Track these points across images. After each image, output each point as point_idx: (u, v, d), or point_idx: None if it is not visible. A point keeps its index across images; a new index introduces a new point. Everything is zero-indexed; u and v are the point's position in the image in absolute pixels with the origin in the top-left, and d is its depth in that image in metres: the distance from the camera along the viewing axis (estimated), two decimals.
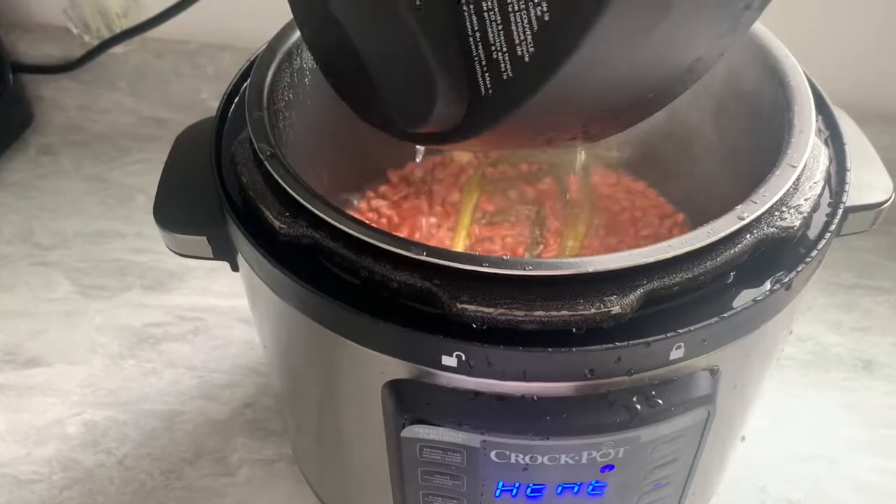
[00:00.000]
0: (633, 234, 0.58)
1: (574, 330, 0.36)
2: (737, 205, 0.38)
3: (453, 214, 0.61)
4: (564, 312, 0.35)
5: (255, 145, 0.42)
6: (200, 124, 0.51)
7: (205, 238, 0.45)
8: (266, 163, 0.41)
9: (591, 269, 0.35)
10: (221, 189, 0.43)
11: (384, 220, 0.61)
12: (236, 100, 0.49)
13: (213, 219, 0.45)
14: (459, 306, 0.35)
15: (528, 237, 0.59)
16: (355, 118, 0.60)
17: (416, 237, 0.59)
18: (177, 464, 0.64)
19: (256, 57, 0.49)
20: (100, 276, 0.79)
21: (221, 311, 0.75)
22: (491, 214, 0.61)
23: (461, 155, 0.65)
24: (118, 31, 0.89)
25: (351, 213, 0.61)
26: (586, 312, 0.35)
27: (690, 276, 0.36)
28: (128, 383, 0.70)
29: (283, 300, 0.40)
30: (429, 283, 0.36)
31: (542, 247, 0.57)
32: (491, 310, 0.35)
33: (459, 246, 0.58)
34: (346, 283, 0.39)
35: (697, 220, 0.60)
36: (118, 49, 0.90)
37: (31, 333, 0.73)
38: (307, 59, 0.51)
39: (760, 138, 0.49)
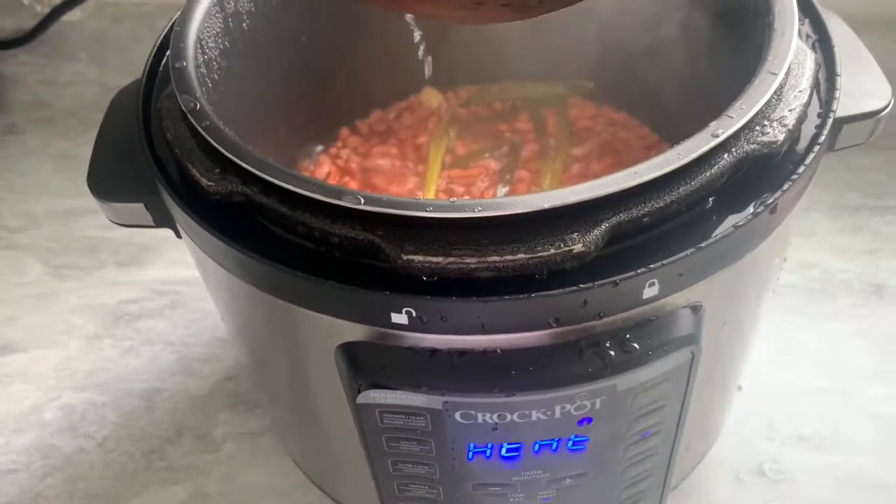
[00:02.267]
0: (618, 168, 0.54)
1: (534, 275, 0.32)
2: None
3: (424, 162, 0.58)
4: (521, 256, 0.31)
5: (179, 98, 0.38)
6: (135, 86, 0.48)
7: (142, 205, 0.42)
8: (189, 116, 0.37)
9: (547, 205, 0.31)
10: (148, 148, 0.40)
11: (350, 172, 0.57)
12: (167, 53, 0.45)
13: (148, 183, 0.41)
14: (405, 258, 0.32)
15: (499, 180, 0.55)
16: (310, 62, 0.57)
17: (385, 189, 0.55)
18: (158, 443, 0.62)
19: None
20: (72, 256, 0.76)
21: (197, 283, 0.71)
22: (464, 158, 0.57)
23: (430, 98, 0.61)
24: None
25: (314, 167, 0.58)
26: (545, 254, 0.31)
27: (661, 204, 0.33)
28: (105, 364, 0.67)
29: (223, 266, 0.37)
30: (371, 235, 0.33)
31: (507, 188, 0.53)
32: (440, 259, 0.32)
33: (430, 194, 0.54)
34: (287, 243, 0.35)
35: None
36: (73, 16, 0.85)
37: (3, 319, 0.71)
38: (243, 2, 0.47)
39: (744, 52, 0.45)
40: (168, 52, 0.43)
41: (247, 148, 0.35)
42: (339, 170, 0.57)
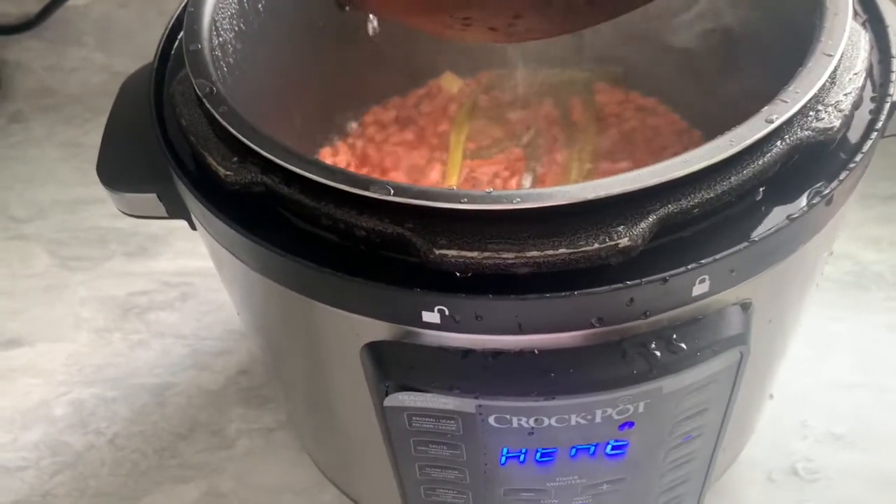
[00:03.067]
0: (648, 156, 0.52)
1: (576, 271, 0.30)
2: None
3: (445, 150, 0.55)
4: (563, 250, 0.29)
5: (193, 82, 0.36)
6: (147, 70, 0.45)
7: (154, 195, 0.40)
8: (205, 101, 0.35)
9: (591, 196, 0.29)
10: (161, 136, 0.38)
11: (369, 162, 0.55)
12: (180, 35, 0.43)
13: (161, 172, 0.39)
14: (437, 252, 0.30)
15: (525, 168, 0.53)
16: (326, 47, 0.54)
17: (405, 178, 0.53)
18: (171, 440, 0.60)
19: None
20: (80, 247, 0.74)
21: (209, 274, 0.69)
22: (486, 147, 0.55)
23: (449, 84, 0.59)
24: None
25: (331, 157, 0.56)
26: (589, 248, 0.29)
27: (711, 195, 0.30)
28: (115, 358, 0.65)
29: (241, 261, 0.35)
30: (400, 228, 0.30)
31: (531, 177, 0.51)
32: (475, 253, 0.29)
33: (452, 184, 0.52)
34: (309, 236, 0.33)
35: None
36: (78, 0, 0.83)
37: (10, 313, 0.69)
38: None
39: (789, 34, 0.42)
40: (181, 35, 0.41)
41: (267, 135, 0.33)
42: (356, 159, 0.55)
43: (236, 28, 0.43)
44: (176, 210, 0.40)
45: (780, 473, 0.54)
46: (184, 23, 0.40)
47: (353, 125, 0.57)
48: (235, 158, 0.34)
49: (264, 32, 0.46)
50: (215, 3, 0.41)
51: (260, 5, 0.45)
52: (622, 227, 0.30)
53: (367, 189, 0.30)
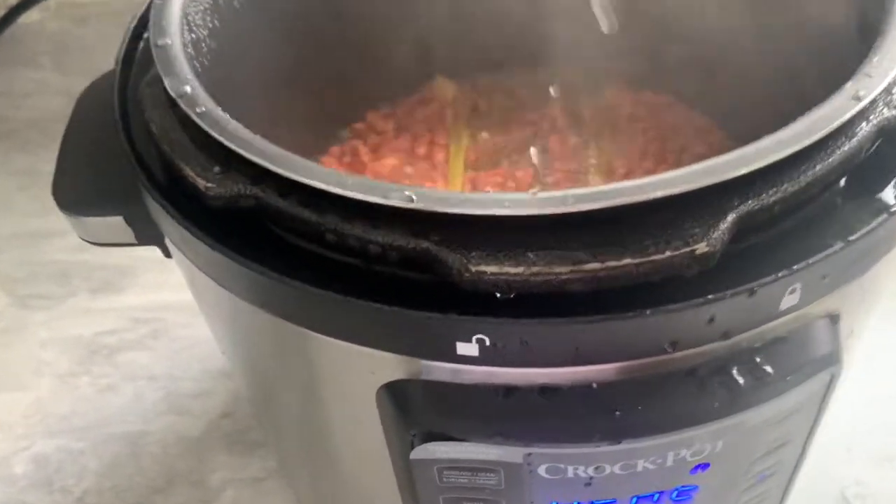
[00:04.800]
0: (671, 157, 0.47)
1: (642, 285, 0.24)
2: (795, 114, 0.26)
3: (443, 161, 0.50)
4: (628, 260, 0.24)
5: (165, 81, 0.30)
6: (107, 79, 0.40)
7: (121, 218, 0.34)
8: (179, 101, 0.29)
9: (660, 194, 0.24)
10: (129, 145, 0.32)
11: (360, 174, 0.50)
12: (145, 34, 0.38)
13: (128, 192, 0.33)
14: (474, 269, 0.24)
15: (533, 179, 0.48)
16: (309, 51, 0.49)
17: None
18: (146, 495, 0.54)
19: None
20: (39, 283, 0.68)
21: (182, 307, 0.65)
22: (489, 157, 0.50)
23: (444, 90, 0.54)
24: None
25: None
26: (660, 257, 0.24)
27: (797, 187, 0.25)
28: (82, 405, 0.59)
29: (228, 289, 0.29)
30: (425, 242, 0.25)
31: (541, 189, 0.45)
32: (521, 269, 0.24)
33: None
34: (310, 256, 0.27)
35: (743, 135, 0.50)
36: (31, 17, 0.77)
37: None
38: None
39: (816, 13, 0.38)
40: (146, 34, 0.35)
41: (255, 137, 0.28)
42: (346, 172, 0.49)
43: (210, 24, 0.37)
44: (147, 235, 0.34)
45: (828, 501, 0.49)
46: (150, 17, 0.34)
47: (342, 135, 0.51)
48: (217, 168, 0.28)
49: (242, 32, 0.40)
50: None
51: (236, 1, 0.40)
52: (697, 229, 0.24)
53: (385, 197, 0.25)
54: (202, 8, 0.37)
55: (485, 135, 0.51)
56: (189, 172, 0.28)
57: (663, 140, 0.49)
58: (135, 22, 0.38)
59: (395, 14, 0.50)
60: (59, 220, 0.73)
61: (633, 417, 0.25)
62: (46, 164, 0.79)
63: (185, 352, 0.62)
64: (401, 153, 0.50)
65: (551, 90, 0.52)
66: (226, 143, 0.27)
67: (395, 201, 0.25)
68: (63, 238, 0.71)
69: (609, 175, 0.48)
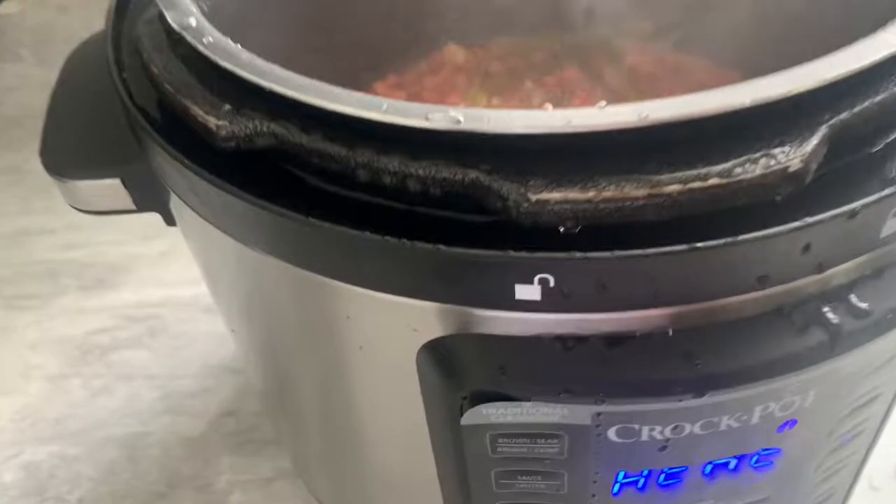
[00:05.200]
0: None
1: (726, 211, 0.21)
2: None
3: None
4: (714, 181, 0.21)
5: (166, 14, 0.27)
6: (97, 38, 0.37)
7: (118, 180, 0.31)
8: (184, 34, 0.26)
9: (748, 102, 0.21)
10: (125, 92, 0.28)
11: None
12: None
13: (125, 149, 0.30)
14: (534, 198, 0.21)
15: None
16: (321, 14, 0.46)
17: None
18: (148, 500, 0.50)
19: None
20: (27, 283, 0.64)
21: (180, 303, 0.61)
22: None
23: (453, 56, 0.51)
24: None
25: None
26: (749, 176, 0.21)
27: (887, 96, 0.22)
28: (74, 409, 0.56)
29: (244, 243, 0.26)
30: (474, 171, 0.22)
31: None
32: (589, 194, 0.21)
33: None
34: (340, 200, 0.24)
35: None
36: (9, 8, 0.73)
37: None
38: None
39: None
40: None
41: (272, 66, 0.24)
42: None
43: None
44: (147, 197, 0.31)
45: (882, 478, 0.46)
46: None
47: None
48: (228, 106, 0.25)
49: None
50: None
51: None
52: (787, 145, 0.21)
53: (427, 119, 0.21)
54: None
55: (501, 99, 0.47)
56: (197, 111, 0.25)
57: None
58: None
59: None
60: (46, 217, 0.70)
61: (717, 366, 0.22)
62: (30, 161, 0.75)
63: (184, 349, 0.58)
64: None
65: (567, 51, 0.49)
66: (239, 72, 0.24)
67: (438, 124, 0.21)
68: (52, 236, 0.67)
69: None
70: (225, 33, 0.31)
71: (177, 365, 0.57)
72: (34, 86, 0.78)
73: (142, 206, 0.32)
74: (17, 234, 0.68)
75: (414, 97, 0.49)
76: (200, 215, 0.27)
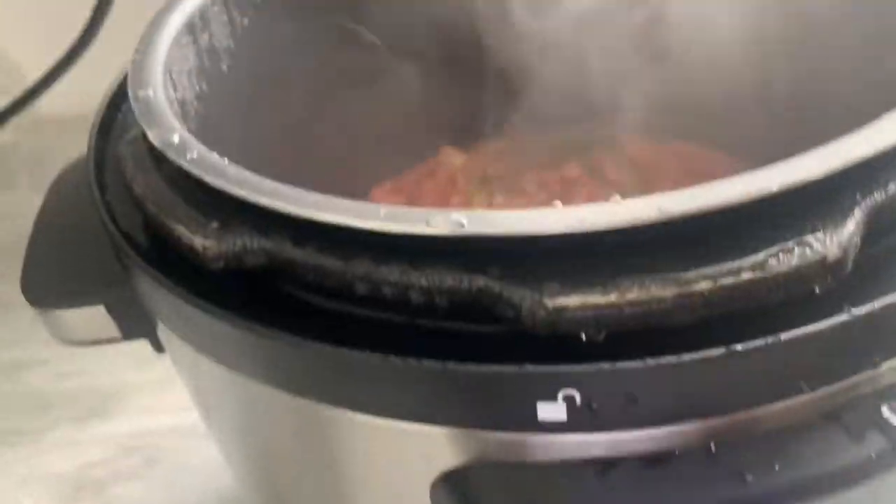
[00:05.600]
0: None
1: (760, 308, 0.19)
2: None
3: None
4: (747, 276, 0.19)
5: (148, 133, 0.26)
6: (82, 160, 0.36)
7: (102, 307, 0.29)
8: (167, 153, 0.24)
9: (774, 187, 0.19)
10: (107, 215, 0.27)
11: None
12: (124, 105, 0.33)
13: (109, 274, 0.28)
14: (551, 305, 0.19)
15: None
16: (315, 117, 0.45)
17: None
18: None
19: None
20: (17, 417, 0.61)
21: (180, 431, 0.58)
22: None
23: (451, 157, 0.50)
24: None
25: None
26: (783, 268, 0.19)
27: None
28: None
29: (239, 371, 0.23)
30: (482, 277, 0.20)
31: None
32: (611, 297, 0.19)
33: None
34: (336, 318, 0.22)
35: None
36: (5, 136, 0.74)
37: None
38: (219, 37, 0.36)
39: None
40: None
41: (260, 178, 0.23)
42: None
43: (196, 87, 0.33)
44: (134, 324, 0.29)
45: None
46: (129, 72, 0.30)
47: None
48: (216, 223, 0.23)
49: (229, 98, 0.36)
50: (168, 52, 0.31)
51: (224, 65, 0.36)
52: (821, 231, 0.19)
53: (428, 224, 0.20)
54: (187, 68, 0.33)
55: (500, 199, 0.46)
56: (182, 231, 0.23)
57: None
58: (114, 89, 0.34)
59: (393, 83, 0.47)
60: (38, 349, 0.68)
61: (769, 482, 0.20)
62: (21, 293, 0.74)
63: (186, 480, 0.55)
64: None
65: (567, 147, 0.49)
66: (225, 187, 0.22)
67: (440, 229, 0.20)
68: (43, 367, 0.65)
69: None
70: (213, 148, 0.30)
71: (177, 498, 0.54)
72: (28, 213, 0.77)
73: (128, 334, 0.30)
74: (9, 366, 0.65)
75: (414, 201, 0.48)
76: (187, 342, 0.25)
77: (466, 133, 0.50)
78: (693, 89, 0.44)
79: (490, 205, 0.45)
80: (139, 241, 0.26)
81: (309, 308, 0.22)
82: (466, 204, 0.46)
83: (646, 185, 0.46)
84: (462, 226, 0.20)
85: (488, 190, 0.46)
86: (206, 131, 0.33)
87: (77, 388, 0.62)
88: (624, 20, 0.43)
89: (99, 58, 0.65)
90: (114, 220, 0.27)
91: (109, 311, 0.29)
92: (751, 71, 0.42)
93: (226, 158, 0.25)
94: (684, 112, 0.46)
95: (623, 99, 0.48)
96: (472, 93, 0.48)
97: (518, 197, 0.46)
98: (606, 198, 0.44)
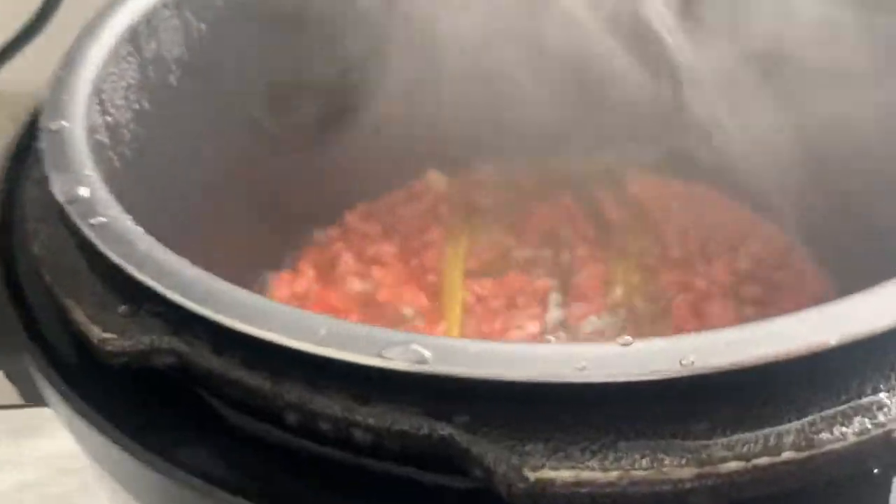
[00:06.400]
0: (723, 260, 0.38)
1: (808, 491, 0.15)
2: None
3: (436, 272, 0.41)
4: (788, 455, 0.14)
5: (51, 179, 0.21)
6: None
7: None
8: (67, 208, 0.20)
9: (832, 341, 0.15)
10: (3, 270, 0.22)
11: (337, 290, 0.40)
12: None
13: (9, 340, 0.23)
14: (531, 477, 0.15)
15: (548, 291, 0.39)
16: (267, 144, 0.40)
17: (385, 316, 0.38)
18: None
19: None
20: None
21: None
22: (494, 262, 0.40)
23: (436, 183, 0.45)
24: None
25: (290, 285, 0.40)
26: (836, 445, 0.15)
27: None
28: None
29: (134, 495, 0.19)
30: (445, 426, 0.15)
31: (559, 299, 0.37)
32: (612, 474, 0.14)
33: (454, 325, 0.37)
34: (259, 443, 0.18)
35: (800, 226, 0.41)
36: None
37: None
38: (167, 43, 0.31)
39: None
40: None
41: (178, 261, 0.18)
42: (319, 285, 0.40)
43: (136, 106, 0.29)
44: (36, 394, 0.24)
45: None
46: (47, 96, 0.25)
47: (319, 236, 0.42)
48: (123, 307, 0.19)
49: (178, 117, 0.31)
50: (102, 67, 0.27)
51: (172, 77, 0.31)
52: (883, 393, 0.15)
53: (381, 355, 0.15)
54: (125, 84, 0.28)
55: (487, 235, 0.42)
56: (78, 315, 0.19)
57: (706, 238, 0.41)
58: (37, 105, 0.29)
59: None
60: None
61: None
62: None
63: None
64: (385, 259, 0.41)
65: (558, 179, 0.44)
66: (129, 269, 0.18)
67: (397, 364, 0.15)
68: None
69: (640, 282, 0.39)
70: (145, 183, 0.25)
71: None
72: None
73: (31, 400, 0.25)
74: None
75: (389, 230, 0.43)
76: (81, 444, 0.20)
77: (452, 156, 0.45)
78: (706, 133, 0.40)
79: (473, 245, 0.40)
80: (38, 309, 0.22)
81: (227, 428, 0.18)
82: (446, 236, 0.42)
83: (646, 229, 0.41)
84: (425, 362, 0.15)
85: (473, 227, 0.42)
86: (141, 161, 0.28)
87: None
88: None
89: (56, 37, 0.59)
90: (9, 277, 0.22)
91: (10, 377, 0.24)
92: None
93: (155, 211, 0.21)
94: (691, 154, 0.42)
95: (627, 130, 0.44)
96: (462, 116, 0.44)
97: (507, 237, 0.41)
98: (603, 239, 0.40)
